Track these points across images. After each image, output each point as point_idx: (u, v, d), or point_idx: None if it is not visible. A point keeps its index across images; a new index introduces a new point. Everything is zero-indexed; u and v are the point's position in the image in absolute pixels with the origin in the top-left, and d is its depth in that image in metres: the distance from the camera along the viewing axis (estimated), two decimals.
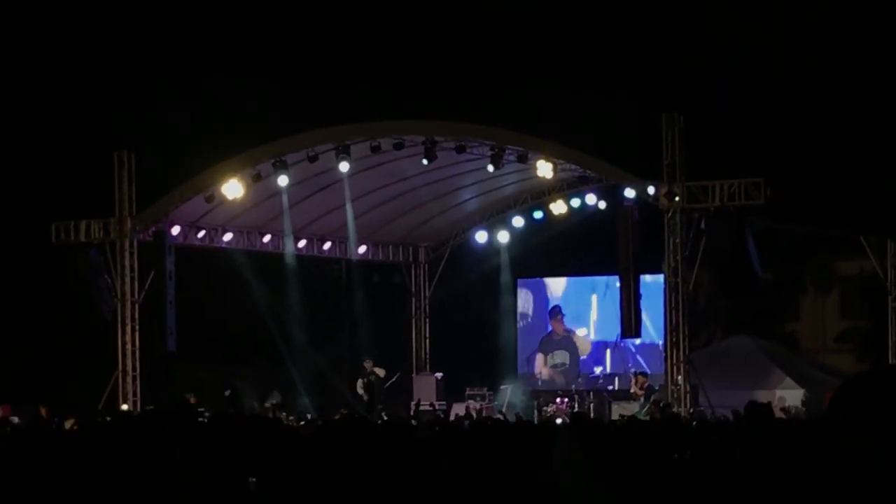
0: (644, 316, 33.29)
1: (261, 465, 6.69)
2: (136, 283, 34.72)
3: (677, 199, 31.19)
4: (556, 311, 39.61)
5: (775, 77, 48.87)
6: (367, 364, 35.48)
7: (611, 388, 36.99)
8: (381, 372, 35.40)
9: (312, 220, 37.44)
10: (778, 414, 26.24)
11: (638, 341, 36.40)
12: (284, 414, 33.21)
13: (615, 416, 32.16)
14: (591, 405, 35.33)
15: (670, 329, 32.00)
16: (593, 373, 38.21)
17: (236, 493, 6.40)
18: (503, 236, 39.49)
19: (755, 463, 7.66)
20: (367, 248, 39.49)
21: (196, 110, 43.62)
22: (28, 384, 35.08)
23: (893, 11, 47.90)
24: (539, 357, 39.69)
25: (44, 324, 40.62)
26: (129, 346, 34.83)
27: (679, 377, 31.71)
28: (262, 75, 46.93)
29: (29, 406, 29.37)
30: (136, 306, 34.89)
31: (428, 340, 41.09)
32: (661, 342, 34.64)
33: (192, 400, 32.68)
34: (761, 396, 31.20)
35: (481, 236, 39.60)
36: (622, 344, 37.21)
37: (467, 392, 36.94)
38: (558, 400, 35.22)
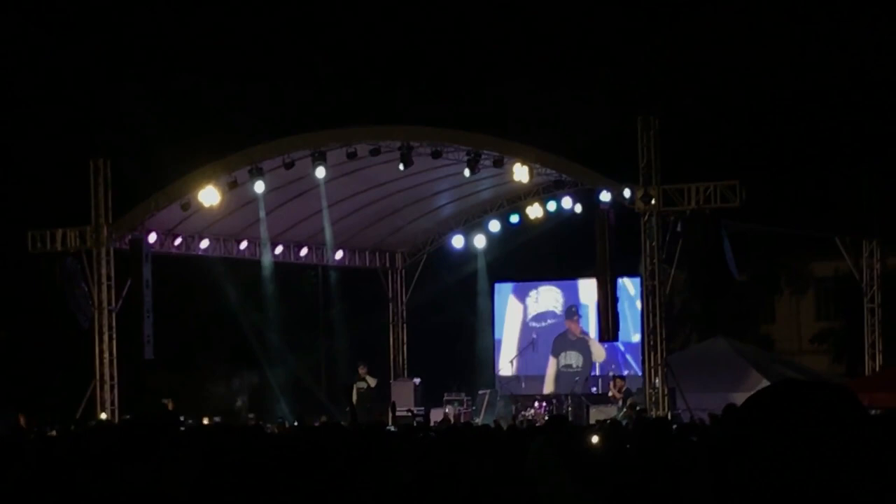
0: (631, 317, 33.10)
1: (246, 474, 6.71)
2: (113, 292, 34.64)
3: (653, 202, 31.27)
4: (573, 311, 38.84)
5: (749, 79, 49.05)
6: (362, 370, 35.03)
7: (595, 389, 36.81)
8: (372, 381, 34.97)
9: (289, 226, 37.42)
10: None
11: (635, 339, 36.12)
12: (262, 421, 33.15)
13: (592, 421, 32.19)
14: (569, 409, 35.34)
15: (647, 332, 32.08)
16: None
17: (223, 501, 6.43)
18: (480, 241, 39.52)
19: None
20: (344, 254, 39.48)
21: (171, 116, 43.60)
22: (3, 393, 35.00)
23: (867, 9, 48.16)
24: (551, 361, 38.85)
25: (20, 332, 40.52)
26: (106, 355, 34.72)
27: (657, 380, 31.79)
28: (237, 80, 46.92)
29: (6, 414, 29.25)
30: (114, 315, 34.81)
31: (406, 346, 41.08)
32: None
33: (170, 406, 32.70)
34: (738, 399, 31.20)
35: (458, 241, 39.63)
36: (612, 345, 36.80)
37: (445, 397, 36.93)
38: (536, 404, 35.23)
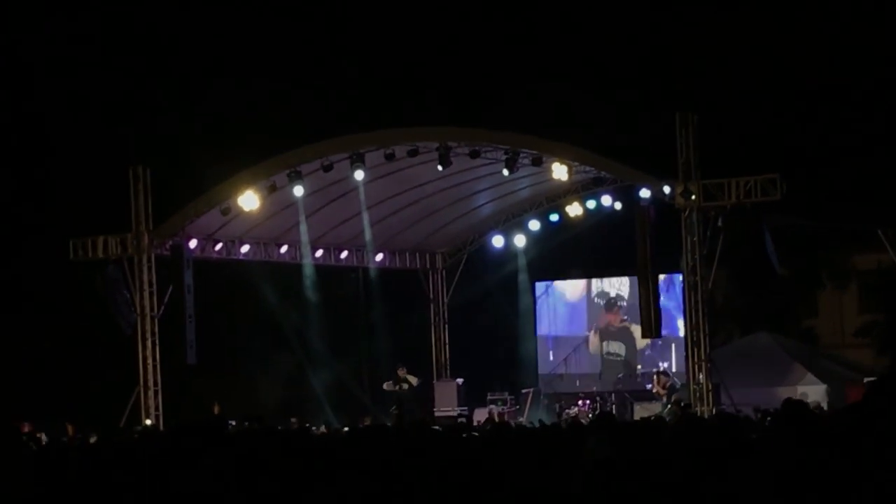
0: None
1: (292, 476, 6.71)
2: (155, 298, 34.80)
3: (693, 197, 31.17)
4: (613, 303, 39.08)
5: (787, 71, 48.79)
6: (401, 371, 35.18)
7: (649, 386, 36.63)
8: (413, 380, 35.13)
9: (329, 229, 37.48)
10: None
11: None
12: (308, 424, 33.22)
13: (637, 417, 32.11)
14: (613, 406, 35.28)
15: (690, 328, 31.96)
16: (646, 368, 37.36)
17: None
18: (520, 240, 39.48)
19: (790, 463, 7.61)
20: (385, 256, 39.51)
21: (208, 122, 43.71)
22: (49, 401, 35.14)
23: None
24: (593, 336, 39.12)
25: (63, 341, 40.69)
26: (149, 361, 34.88)
27: (701, 376, 31.67)
28: (274, 85, 46.99)
29: (53, 423, 29.38)
30: (156, 321, 34.96)
31: (447, 346, 41.06)
32: None
33: (217, 410, 32.84)
34: (783, 393, 31.13)
35: (498, 240, 39.59)
36: (659, 341, 36.65)
37: (489, 397, 36.92)
38: (580, 402, 35.17)
